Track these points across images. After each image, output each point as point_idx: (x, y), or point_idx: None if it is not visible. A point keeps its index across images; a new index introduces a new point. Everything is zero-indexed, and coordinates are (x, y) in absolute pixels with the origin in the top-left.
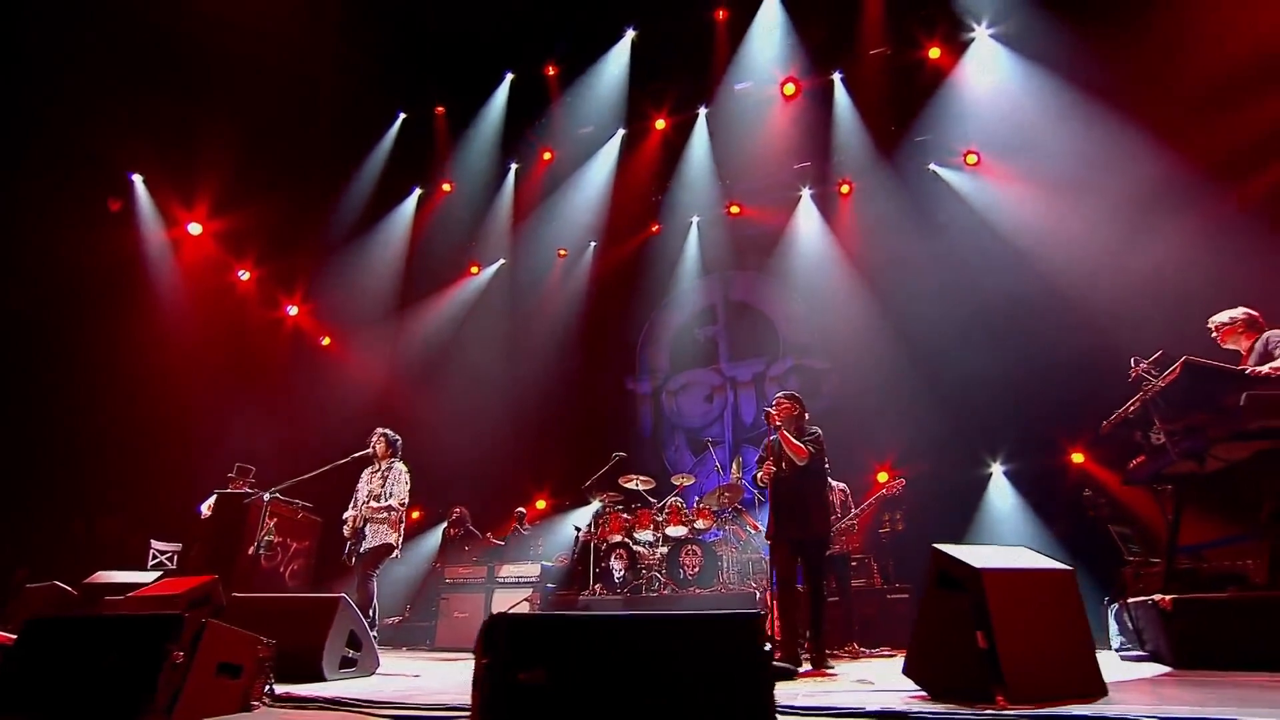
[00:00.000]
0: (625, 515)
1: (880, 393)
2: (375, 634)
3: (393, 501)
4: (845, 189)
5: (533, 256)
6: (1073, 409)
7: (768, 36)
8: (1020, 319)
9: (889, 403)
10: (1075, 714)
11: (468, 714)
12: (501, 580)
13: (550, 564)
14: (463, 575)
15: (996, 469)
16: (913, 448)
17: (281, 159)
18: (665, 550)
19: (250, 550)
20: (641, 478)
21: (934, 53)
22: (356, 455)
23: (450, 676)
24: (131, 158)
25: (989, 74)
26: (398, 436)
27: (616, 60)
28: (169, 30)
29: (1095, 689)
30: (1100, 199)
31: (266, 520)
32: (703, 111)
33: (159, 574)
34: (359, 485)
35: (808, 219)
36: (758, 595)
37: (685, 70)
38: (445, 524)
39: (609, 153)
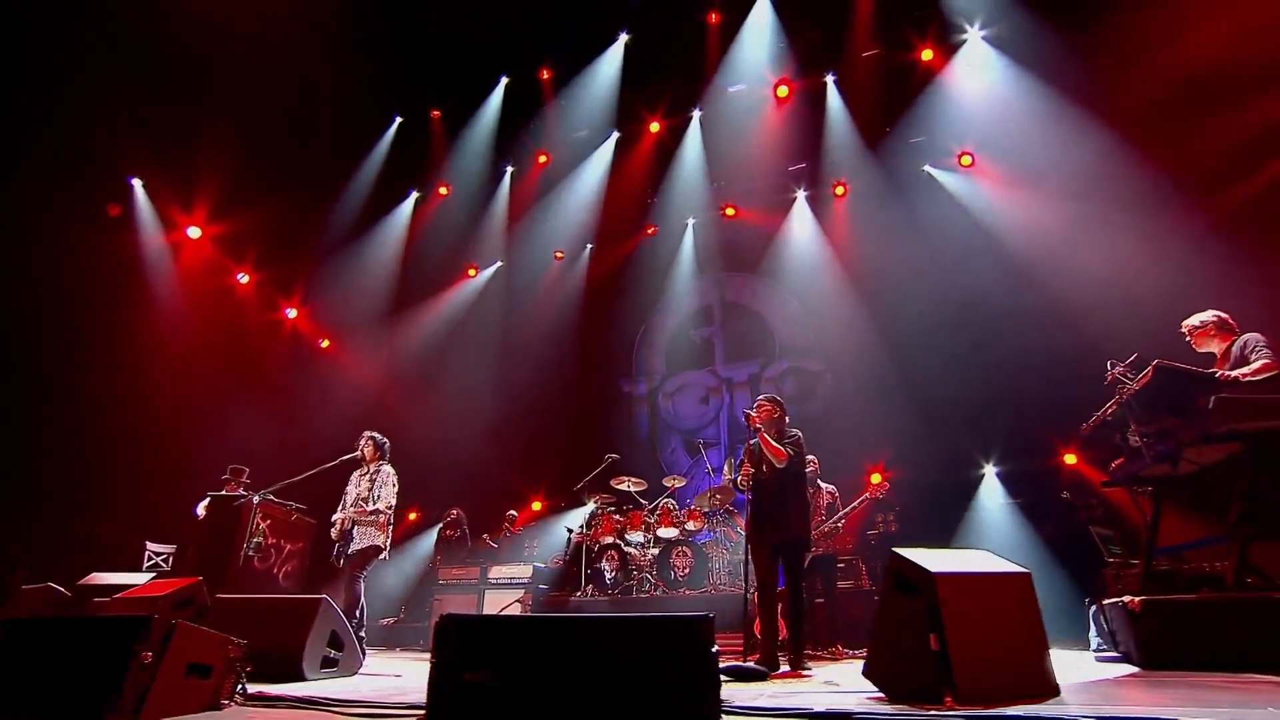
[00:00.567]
0: (617, 517)
1: (874, 394)
2: (363, 635)
3: (380, 504)
4: (840, 190)
5: (528, 259)
6: (1065, 411)
7: (760, 39)
8: (1014, 320)
9: (883, 404)
10: (1010, 714)
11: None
12: (494, 581)
13: (542, 565)
14: (456, 576)
15: (989, 470)
16: (906, 449)
17: (280, 163)
18: (656, 552)
19: (238, 552)
20: (633, 479)
21: (926, 54)
22: (345, 458)
23: None
24: (131, 162)
25: (981, 75)
26: (386, 440)
27: (610, 63)
28: (168, 35)
29: (1047, 690)
30: (1093, 201)
31: (258, 522)
32: (696, 114)
33: (152, 576)
34: (348, 488)
35: (802, 221)
36: (748, 597)
37: (679, 73)
38: (441, 525)
39: (603, 155)
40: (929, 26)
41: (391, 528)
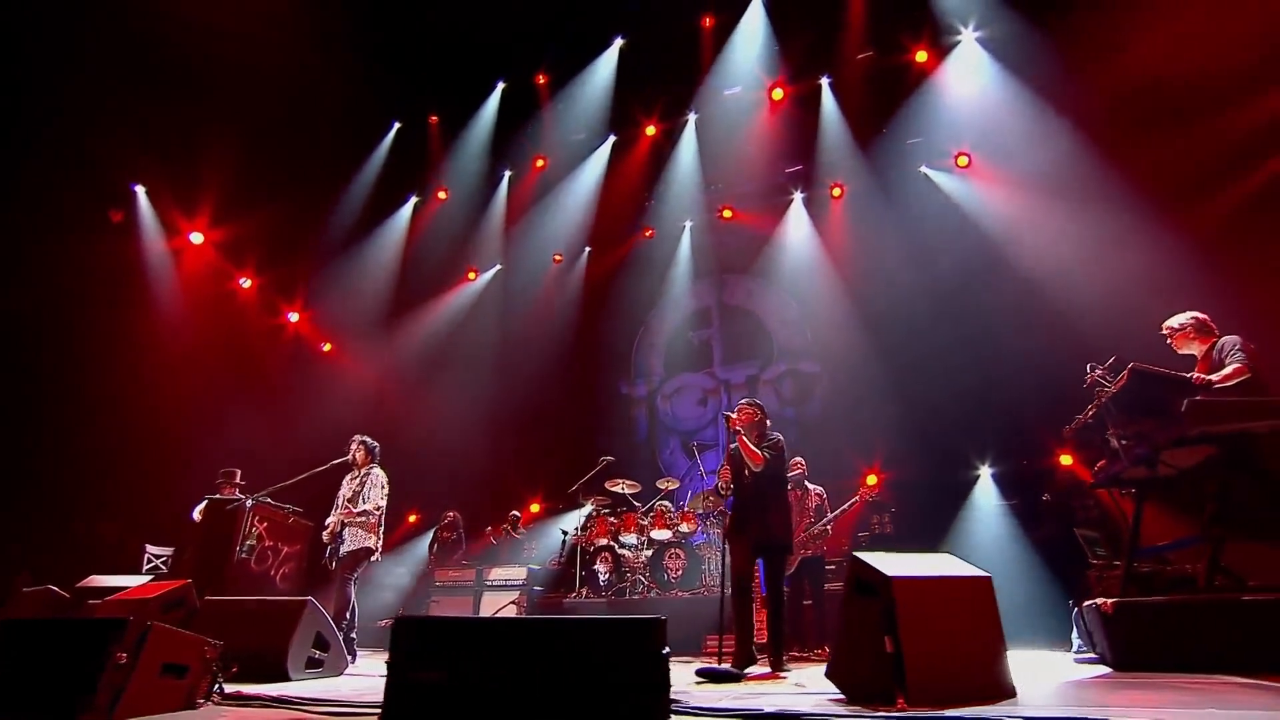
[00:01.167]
0: (611, 519)
1: (871, 396)
2: (354, 636)
3: (369, 505)
4: (837, 192)
5: (527, 262)
6: (1061, 412)
7: (755, 42)
8: (1012, 322)
9: (880, 406)
10: (954, 715)
11: None
12: (490, 583)
13: (537, 567)
14: (452, 578)
15: (985, 471)
16: (902, 451)
17: (281, 167)
18: (650, 553)
19: (234, 554)
20: (627, 481)
21: (921, 56)
22: (336, 462)
23: None
24: (134, 168)
25: (976, 76)
26: (376, 444)
27: (605, 67)
28: (169, 40)
29: (1002, 692)
30: (1088, 203)
31: (254, 524)
32: (692, 117)
33: (151, 578)
34: (340, 492)
35: (799, 223)
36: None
37: (674, 77)
38: (437, 528)
39: (600, 159)
40: (923, 28)
41: (383, 530)
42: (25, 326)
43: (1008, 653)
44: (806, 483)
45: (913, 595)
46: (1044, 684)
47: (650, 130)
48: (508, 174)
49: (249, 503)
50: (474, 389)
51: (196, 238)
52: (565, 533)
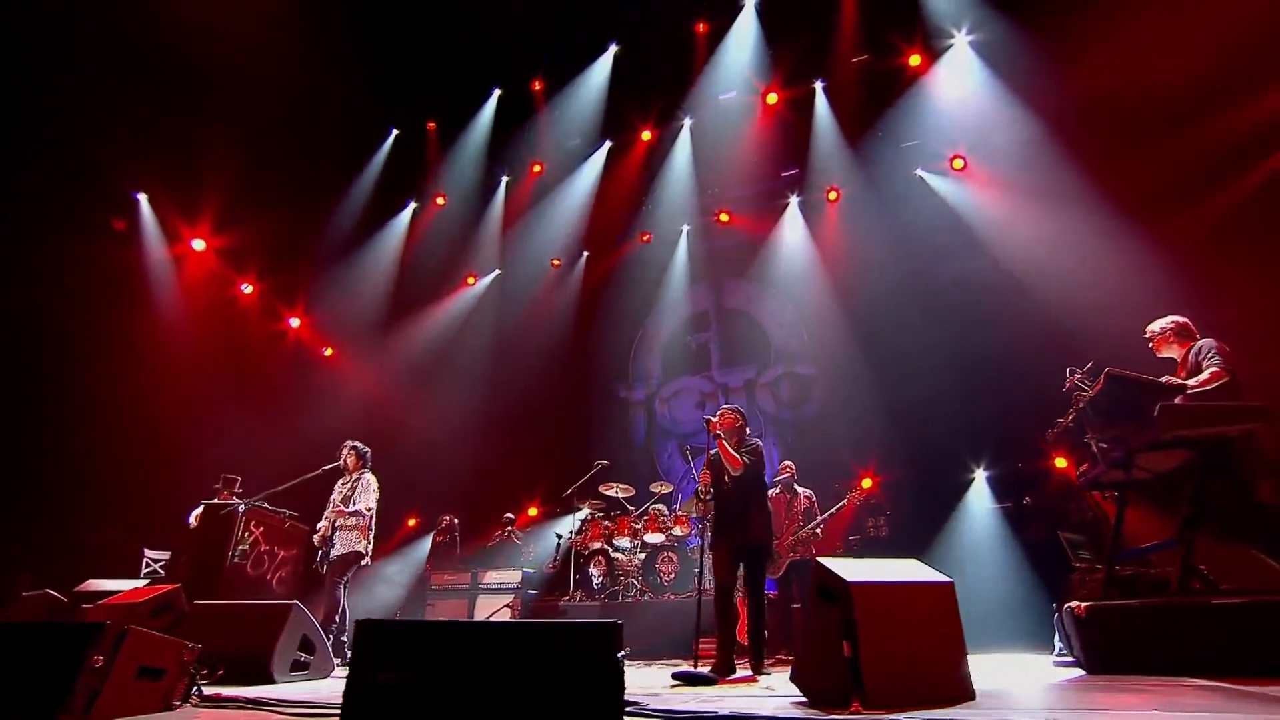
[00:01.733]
0: (605, 522)
1: (867, 398)
2: (345, 639)
3: (359, 507)
4: (833, 195)
5: (525, 267)
6: (1056, 414)
7: (747, 47)
8: (1008, 324)
9: (876, 408)
10: (901, 719)
11: None
12: (485, 586)
13: (532, 570)
14: (448, 581)
15: (980, 474)
16: (898, 453)
17: (281, 174)
18: (643, 556)
19: (229, 558)
20: (620, 485)
21: (914, 60)
22: (327, 467)
23: None
24: (136, 174)
25: (970, 80)
26: (368, 449)
27: (600, 73)
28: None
29: (962, 696)
30: (1078, 206)
31: (250, 529)
32: (687, 122)
33: (148, 582)
34: (331, 496)
35: (795, 226)
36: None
37: (669, 82)
38: (434, 532)
39: (596, 164)
40: (915, 32)
41: (374, 534)
42: (27, 330)
43: (968, 657)
44: (796, 486)
45: (872, 600)
46: (1011, 687)
47: (645, 135)
48: (505, 179)
49: (242, 508)
50: (473, 393)
51: (198, 244)
52: (560, 536)
